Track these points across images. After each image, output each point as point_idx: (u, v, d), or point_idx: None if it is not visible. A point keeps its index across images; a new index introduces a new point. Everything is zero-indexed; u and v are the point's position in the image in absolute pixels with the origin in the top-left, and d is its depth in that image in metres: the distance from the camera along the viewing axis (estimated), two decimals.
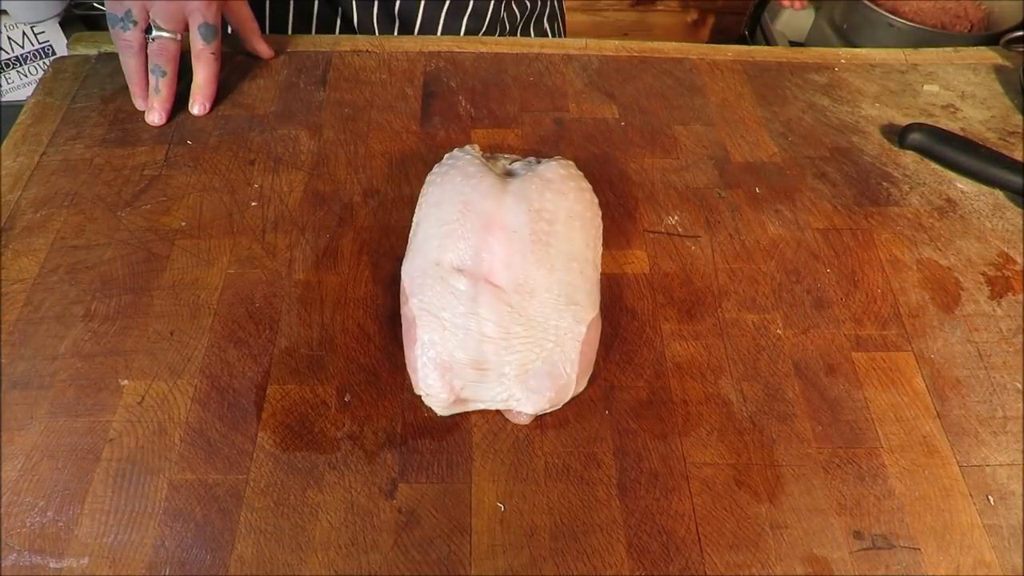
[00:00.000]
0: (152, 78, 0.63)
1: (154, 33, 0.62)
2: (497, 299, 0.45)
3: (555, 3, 0.94)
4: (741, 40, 1.77)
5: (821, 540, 0.42)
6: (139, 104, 0.65)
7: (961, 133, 0.67)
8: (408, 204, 0.57)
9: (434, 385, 0.45)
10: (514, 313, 0.45)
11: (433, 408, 0.46)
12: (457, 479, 0.44)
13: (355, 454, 0.45)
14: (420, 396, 0.46)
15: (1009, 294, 0.55)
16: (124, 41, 0.62)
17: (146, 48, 0.63)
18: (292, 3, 0.80)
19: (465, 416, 0.47)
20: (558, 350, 0.45)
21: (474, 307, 0.45)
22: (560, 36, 0.96)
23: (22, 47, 1.44)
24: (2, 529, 0.41)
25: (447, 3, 0.80)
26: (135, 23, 0.61)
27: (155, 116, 0.64)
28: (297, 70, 0.70)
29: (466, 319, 0.45)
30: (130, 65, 0.63)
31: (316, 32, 0.81)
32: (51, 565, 0.40)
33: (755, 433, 0.47)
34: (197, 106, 0.65)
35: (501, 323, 0.45)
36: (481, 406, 0.46)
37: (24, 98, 1.11)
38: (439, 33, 0.81)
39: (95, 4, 1.50)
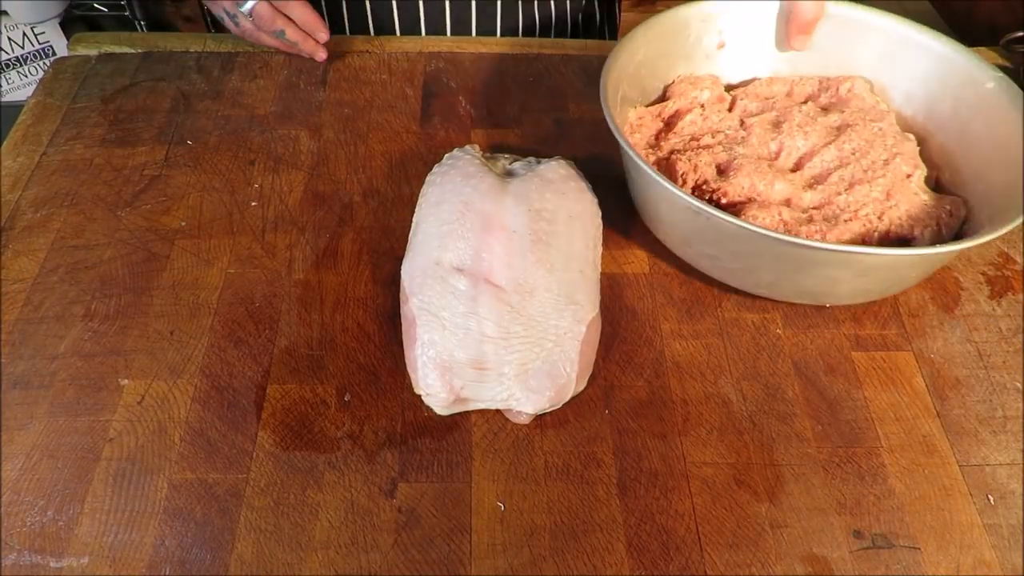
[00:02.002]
0: (280, 40, 0.67)
1: (241, 8, 0.65)
2: (497, 299, 0.45)
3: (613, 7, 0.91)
4: None
5: (821, 539, 0.42)
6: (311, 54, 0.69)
7: None
8: (408, 204, 0.57)
9: (434, 384, 0.45)
10: (514, 313, 0.45)
11: (433, 408, 0.46)
12: (457, 479, 0.44)
13: (355, 454, 0.45)
14: (420, 395, 0.46)
15: (1009, 294, 0.55)
16: (239, 31, 0.68)
17: (255, 26, 0.67)
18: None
19: (465, 416, 0.47)
20: (558, 350, 0.45)
21: (474, 307, 0.45)
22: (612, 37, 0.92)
23: (22, 47, 1.44)
24: (2, 529, 0.41)
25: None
26: (231, 15, 0.66)
27: (320, 54, 0.68)
28: (297, 70, 0.70)
29: (466, 319, 0.45)
30: (265, 41, 0.68)
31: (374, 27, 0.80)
32: (51, 565, 0.40)
33: (755, 433, 0.47)
34: (320, 52, 0.68)
35: (501, 323, 0.45)
36: (481, 405, 0.46)
37: (24, 98, 1.11)
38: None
39: (95, 4, 1.50)
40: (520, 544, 0.42)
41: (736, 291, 0.54)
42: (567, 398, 0.46)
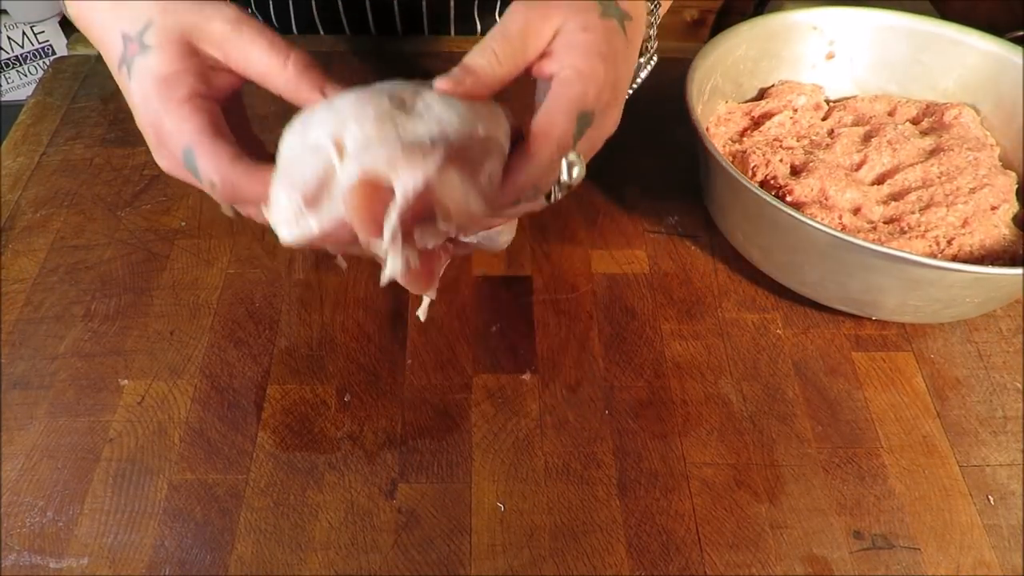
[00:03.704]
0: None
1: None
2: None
3: None
4: None
5: (821, 540, 0.42)
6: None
7: None
8: None
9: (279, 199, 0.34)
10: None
11: (279, 232, 0.35)
12: (457, 479, 0.44)
13: (355, 454, 0.45)
14: (287, 245, 0.35)
15: None
16: None
17: None
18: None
19: (465, 416, 0.47)
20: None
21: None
22: None
23: (22, 47, 1.44)
24: (2, 529, 0.41)
25: None
26: None
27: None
28: None
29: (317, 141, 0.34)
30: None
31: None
32: (51, 565, 0.40)
33: (755, 433, 0.47)
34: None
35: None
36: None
37: (24, 98, 1.11)
38: None
39: None
40: (520, 545, 0.42)
41: (736, 291, 0.54)
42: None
